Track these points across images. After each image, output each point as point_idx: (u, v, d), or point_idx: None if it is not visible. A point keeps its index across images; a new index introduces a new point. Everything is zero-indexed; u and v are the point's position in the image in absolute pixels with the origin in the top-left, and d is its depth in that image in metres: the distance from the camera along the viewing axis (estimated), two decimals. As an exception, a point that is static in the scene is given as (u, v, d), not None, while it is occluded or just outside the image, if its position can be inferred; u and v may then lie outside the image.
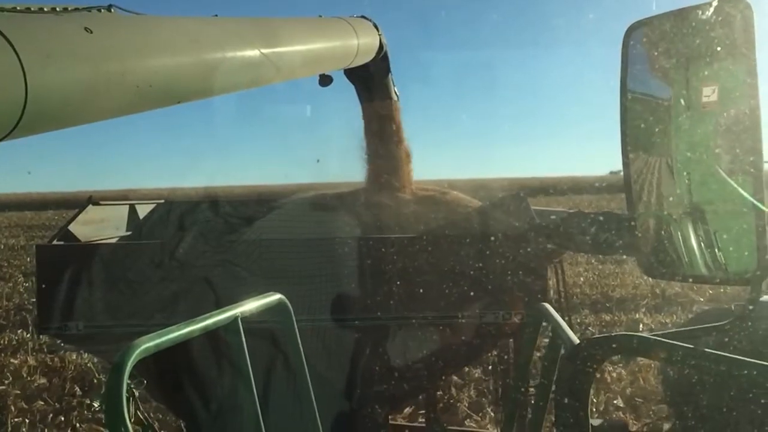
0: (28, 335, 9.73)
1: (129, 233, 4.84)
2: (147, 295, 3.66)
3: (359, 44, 4.12)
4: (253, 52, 2.89)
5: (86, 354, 8.32)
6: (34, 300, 12.06)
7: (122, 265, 3.73)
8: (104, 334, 3.68)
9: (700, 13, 1.83)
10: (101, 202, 4.71)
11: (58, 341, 9.00)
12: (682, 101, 1.91)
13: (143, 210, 5.10)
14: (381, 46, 4.57)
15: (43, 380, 7.66)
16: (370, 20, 4.49)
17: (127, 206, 5.00)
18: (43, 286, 3.75)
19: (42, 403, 6.94)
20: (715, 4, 1.78)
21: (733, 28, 1.74)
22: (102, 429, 6.16)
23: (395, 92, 5.02)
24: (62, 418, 6.49)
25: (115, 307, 3.67)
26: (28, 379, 7.73)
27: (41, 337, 9.50)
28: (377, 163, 4.94)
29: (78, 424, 6.40)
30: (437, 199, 4.56)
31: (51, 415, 6.59)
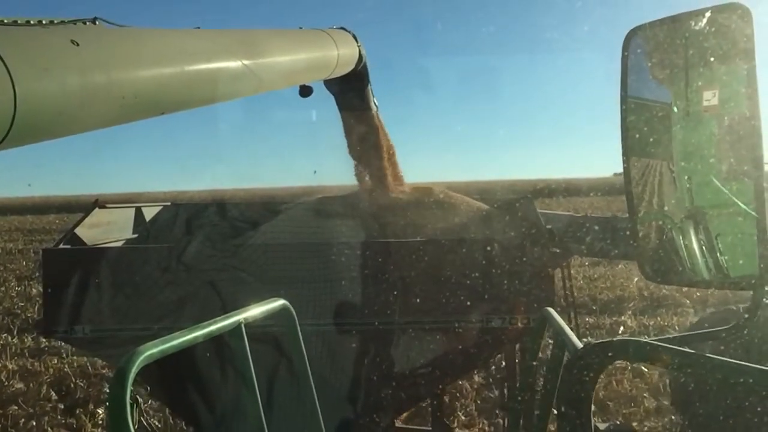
0: (13, 339, 9.70)
1: (135, 236, 4.86)
2: (153, 299, 3.66)
3: (339, 55, 4.11)
4: (235, 64, 2.88)
5: (66, 358, 8.41)
6: (22, 304, 12.23)
7: (129, 268, 3.74)
8: (111, 338, 3.69)
9: (699, 18, 1.82)
10: (107, 205, 4.73)
11: (42, 344, 9.18)
12: (683, 105, 1.91)
13: (149, 213, 5.13)
14: (360, 57, 4.57)
15: (20, 385, 7.62)
16: (350, 31, 4.47)
17: (133, 209, 5.02)
18: (50, 289, 3.76)
19: (16, 407, 6.89)
20: (714, 9, 1.78)
21: (733, 32, 1.73)
22: None
23: (374, 103, 5.01)
24: (34, 423, 6.45)
25: (121, 311, 3.67)
26: (6, 383, 7.69)
27: (25, 341, 9.51)
28: (363, 172, 4.96)
29: (50, 429, 6.36)
30: (443, 203, 4.55)
31: (23, 419, 6.55)
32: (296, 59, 3.67)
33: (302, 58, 3.75)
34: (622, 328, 9.43)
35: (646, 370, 7.10)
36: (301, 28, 4.05)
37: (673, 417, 5.98)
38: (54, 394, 7.30)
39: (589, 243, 3.74)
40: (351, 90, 4.82)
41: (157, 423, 5.65)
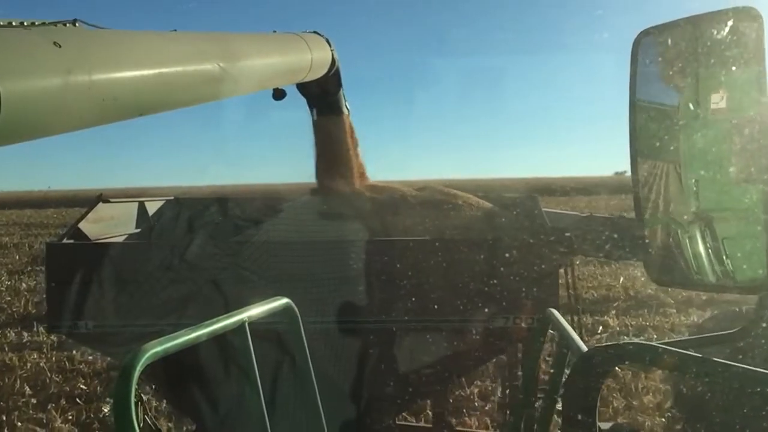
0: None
1: (138, 230, 4.84)
2: (157, 295, 3.63)
3: (313, 59, 4.10)
4: (212, 67, 2.87)
5: (46, 354, 8.28)
6: (9, 298, 12.14)
7: (132, 265, 3.72)
8: (114, 334, 3.65)
9: (710, 21, 1.79)
10: (111, 200, 4.71)
11: (24, 338, 9.09)
12: (691, 108, 1.88)
13: (152, 207, 5.10)
14: (333, 61, 4.54)
15: (-6, 379, 7.48)
16: (323, 36, 4.45)
17: (137, 204, 4.95)
18: (53, 284, 3.68)
19: (-13, 401, 6.76)
20: (725, 12, 1.75)
21: (743, 37, 1.70)
22: (39, 429, 6.09)
23: (346, 107, 4.98)
24: (4, 418, 6.36)
25: (124, 307, 3.63)
26: (-20, 378, 7.53)
27: (7, 335, 9.34)
28: (325, 174, 4.87)
29: (18, 423, 6.26)
30: (447, 201, 4.51)
31: (-8, 414, 6.46)
32: (271, 62, 3.66)
33: (277, 61, 3.74)
34: (601, 327, 9.31)
35: (619, 370, 7.03)
36: (275, 31, 4.05)
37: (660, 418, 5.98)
38: (28, 389, 7.17)
39: (598, 244, 3.71)
40: (323, 94, 4.80)
41: (167, 425, 5.62)
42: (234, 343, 2.01)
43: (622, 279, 12.63)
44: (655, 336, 8.59)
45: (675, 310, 10.10)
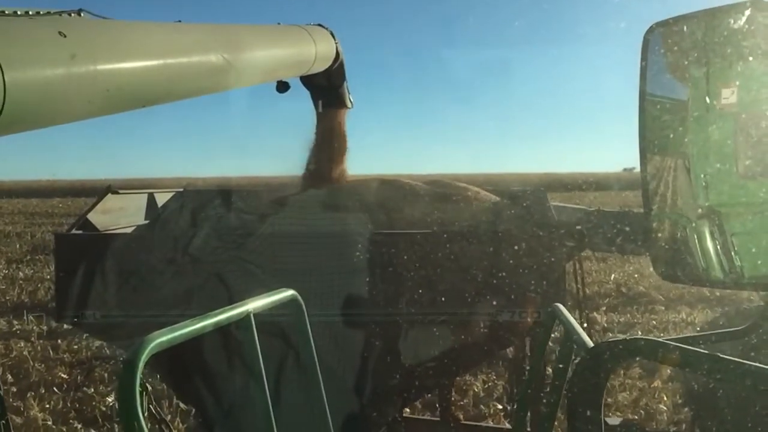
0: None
1: (147, 222, 4.81)
2: (164, 287, 3.61)
3: (317, 51, 4.06)
4: (216, 58, 2.84)
5: (33, 342, 8.25)
6: (3, 287, 12.06)
7: (139, 256, 3.71)
8: (121, 324, 3.63)
9: (721, 14, 1.74)
10: (120, 191, 4.64)
11: (14, 327, 8.96)
12: (703, 102, 1.85)
13: (162, 199, 5.08)
14: (337, 54, 4.49)
15: (-21, 367, 7.33)
16: (327, 28, 4.39)
17: (146, 195, 4.88)
18: (61, 274, 3.63)
19: (-32, 390, 6.76)
20: (737, 6, 1.71)
21: (756, 30, 1.68)
22: (15, 417, 5.95)
23: (350, 100, 4.95)
24: None
25: (131, 298, 3.58)
26: (-34, 365, 7.39)
27: None
28: (319, 166, 4.84)
29: None
30: (454, 194, 4.46)
31: (-28, 402, 6.44)
32: (276, 54, 3.62)
33: (281, 53, 3.70)
34: (586, 324, 9.31)
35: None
36: (279, 23, 3.99)
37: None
38: (11, 377, 7.13)
39: (614, 235, 3.69)
40: (327, 87, 4.75)
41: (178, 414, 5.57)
42: (239, 335, 1.99)
43: (614, 276, 12.60)
44: (640, 333, 8.55)
45: (664, 308, 10.07)
